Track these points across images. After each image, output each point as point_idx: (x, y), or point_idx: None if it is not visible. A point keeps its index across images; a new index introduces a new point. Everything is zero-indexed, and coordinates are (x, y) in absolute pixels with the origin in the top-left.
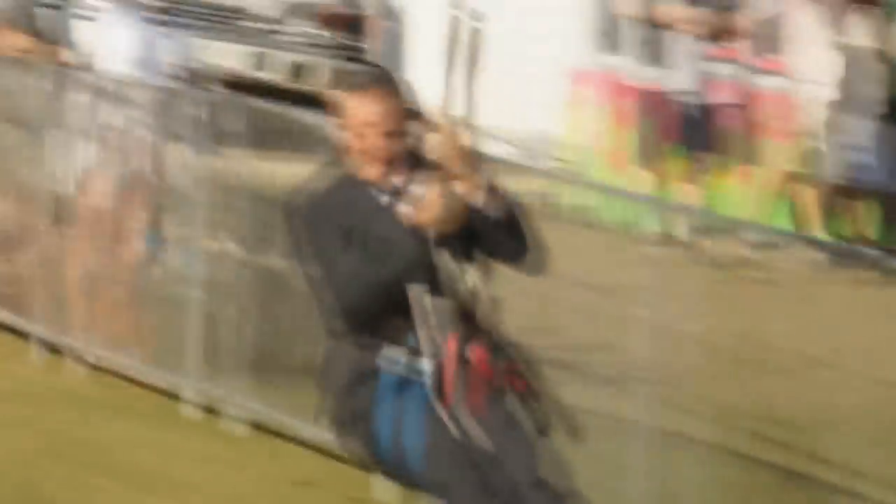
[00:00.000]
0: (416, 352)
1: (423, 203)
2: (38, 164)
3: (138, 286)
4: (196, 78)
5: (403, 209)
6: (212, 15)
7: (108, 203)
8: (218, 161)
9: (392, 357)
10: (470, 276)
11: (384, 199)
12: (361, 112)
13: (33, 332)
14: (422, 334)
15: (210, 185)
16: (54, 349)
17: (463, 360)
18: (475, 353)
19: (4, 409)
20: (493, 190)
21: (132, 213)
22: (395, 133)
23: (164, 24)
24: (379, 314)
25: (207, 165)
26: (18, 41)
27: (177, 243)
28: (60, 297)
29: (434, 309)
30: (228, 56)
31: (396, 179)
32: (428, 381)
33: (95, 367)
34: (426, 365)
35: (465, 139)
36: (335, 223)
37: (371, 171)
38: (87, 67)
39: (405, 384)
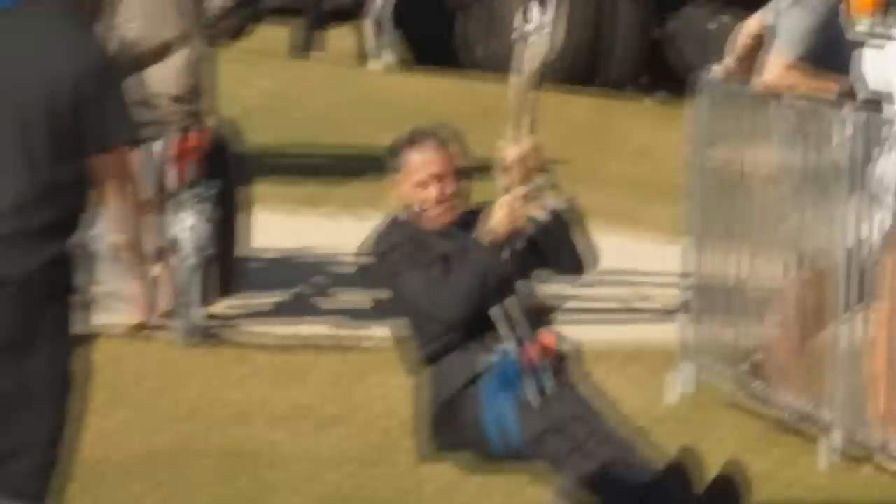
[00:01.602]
0: (506, 353)
1: (495, 213)
2: (836, 225)
3: None
4: None
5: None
6: None
7: None
8: None
9: (488, 360)
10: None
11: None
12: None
13: (823, 431)
14: (508, 337)
15: None
16: (850, 452)
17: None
18: (546, 338)
19: None
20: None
21: None
22: (454, 177)
23: None
24: (472, 324)
25: None
26: (823, 84)
27: None
28: (859, 387)
29: (516, 314)
30: None
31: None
32: (513, 367)
33: None
34: (512, 356)
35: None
36: (414, 257)
37: (438, 218)
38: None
39: (502, 385)
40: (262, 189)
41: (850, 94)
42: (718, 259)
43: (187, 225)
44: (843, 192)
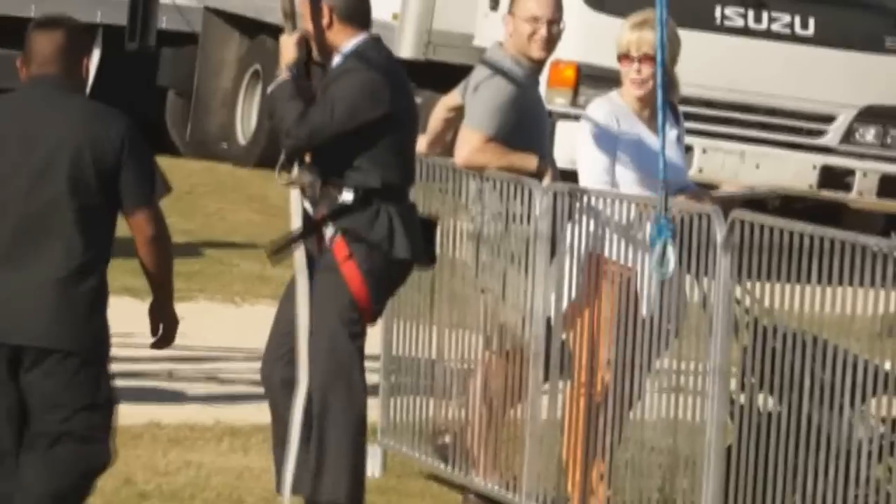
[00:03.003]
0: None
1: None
2: (530, 301)
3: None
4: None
5: None
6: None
7: (604, 344)
8: (738, 291)
9: None
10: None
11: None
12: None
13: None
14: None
15: (727, 318)
16: None
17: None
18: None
19: None
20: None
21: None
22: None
23: (682, 130)
24: None
25: (726, 295)
26: (517, 160)
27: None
28: (552, 464)
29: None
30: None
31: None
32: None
33: None
34: None
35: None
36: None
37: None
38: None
39: None
40: None
41: (544, 169)
42: (413, 337)
43: None
44: (539, 267)
